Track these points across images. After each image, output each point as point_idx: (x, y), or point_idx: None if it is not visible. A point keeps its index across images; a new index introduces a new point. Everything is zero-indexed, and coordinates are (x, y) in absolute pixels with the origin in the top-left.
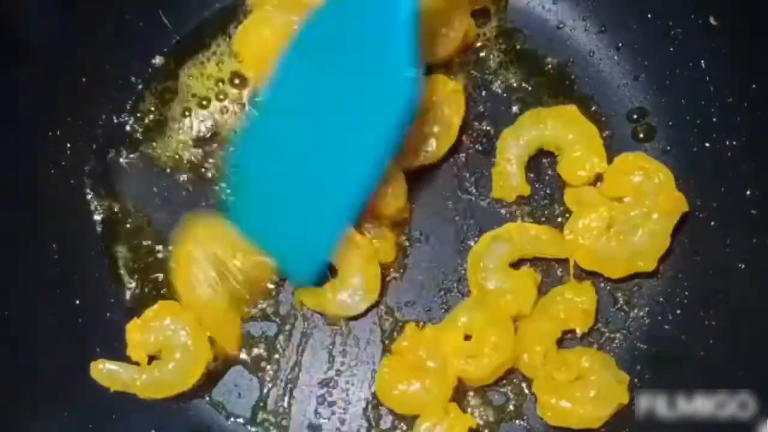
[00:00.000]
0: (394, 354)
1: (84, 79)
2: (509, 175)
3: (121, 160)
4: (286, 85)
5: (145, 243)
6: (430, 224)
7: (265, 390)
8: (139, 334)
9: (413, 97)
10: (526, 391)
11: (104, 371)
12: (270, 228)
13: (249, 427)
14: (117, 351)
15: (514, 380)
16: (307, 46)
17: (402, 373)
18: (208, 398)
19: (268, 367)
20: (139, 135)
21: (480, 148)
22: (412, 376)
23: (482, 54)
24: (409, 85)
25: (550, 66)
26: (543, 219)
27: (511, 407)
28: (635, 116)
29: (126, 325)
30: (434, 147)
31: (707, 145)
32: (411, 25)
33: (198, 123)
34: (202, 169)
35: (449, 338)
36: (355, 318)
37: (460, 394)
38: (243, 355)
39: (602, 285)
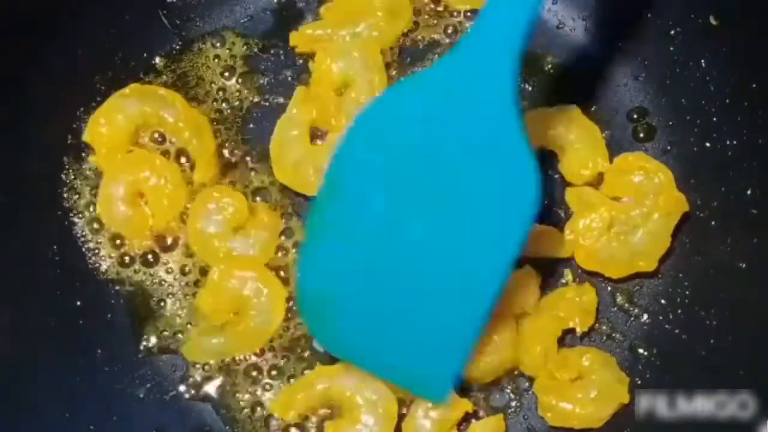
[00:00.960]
0: None
1: (84, 80)
2: None
3: None
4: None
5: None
6: None
7: (266, 391)
8: (212, 299)
9: (538, 185)
10: (527, 390)
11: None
12: (373, 349)
13: (249, 427)
14: (118, 352)
15: (515, 380)
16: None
17: None
18: (208, 398)
19: (269, 367)
20: None
21: None
22: None
23: None
24: (533, 172)
25: (550, 66)
26: (543, 219)
27: (512, 407)
28: (635, 116)
29: (195, 301)
30: None
31: (707, 145)
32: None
33: None
34: None
35: None
36: None
37: (460, 393)
38: (242, 359)
39: (603, 285)
